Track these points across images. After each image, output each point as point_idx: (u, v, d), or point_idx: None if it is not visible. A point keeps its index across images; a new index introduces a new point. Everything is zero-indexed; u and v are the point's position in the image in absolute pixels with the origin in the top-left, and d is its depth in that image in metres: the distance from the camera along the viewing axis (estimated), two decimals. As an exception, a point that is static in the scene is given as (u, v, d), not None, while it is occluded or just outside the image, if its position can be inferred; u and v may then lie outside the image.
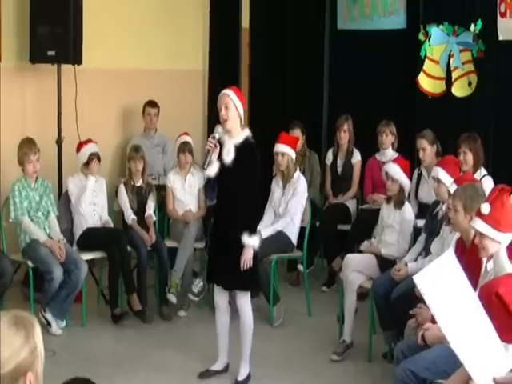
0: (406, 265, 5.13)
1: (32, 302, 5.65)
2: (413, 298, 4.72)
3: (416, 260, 5.21)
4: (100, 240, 6.03)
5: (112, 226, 6.25)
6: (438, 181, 5.09)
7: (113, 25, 7.35)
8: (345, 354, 5.33)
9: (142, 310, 5.97)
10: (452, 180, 4.89)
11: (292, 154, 6.15)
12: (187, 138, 6.57)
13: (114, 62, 7.37)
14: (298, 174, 6.18)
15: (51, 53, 6.41)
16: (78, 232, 6.11)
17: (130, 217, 6.30)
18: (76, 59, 6.50)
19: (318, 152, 7.40)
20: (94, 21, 6.83)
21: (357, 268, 5.43)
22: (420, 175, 6.46)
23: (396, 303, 4.88)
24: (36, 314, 5.17)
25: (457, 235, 4.35)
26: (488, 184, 5.84)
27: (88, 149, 6.12)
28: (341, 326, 5.48)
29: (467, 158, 5.84)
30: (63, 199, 6.23)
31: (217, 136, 4.52)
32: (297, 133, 6.98)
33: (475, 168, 5.84)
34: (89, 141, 6.19)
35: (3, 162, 6.24)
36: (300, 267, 6.41)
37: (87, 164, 6.11)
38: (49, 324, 5.62)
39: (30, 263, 5.70)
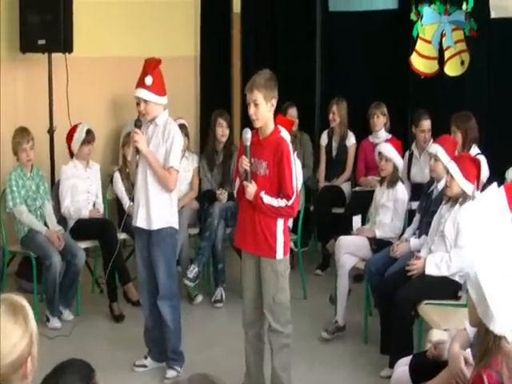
0: (407, 241, 5.13)
1: (36, 294, 5.64)
2: (405, 276, 4.75)
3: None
4: (89, 232, 5.99)
5: (101, 213, 6.18)
6: (436, 158, 5.05)
7: (103, 12, 7.29)
8: (337, 335, 5.35)
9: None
10: (449, 159, 4.87)
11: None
12: (183, 121, 6.56)
13: (106, 49, 7.32)
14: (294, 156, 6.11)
15: (41, 42, 6.35)
16: (70, 222, 6.07)
17: (127, 204, 6.26)
18: (67, 47, 6.44)
19: (311, 134, 7.38)
20: (84, 8, 6.77)
21: (349, 250, 5.43)
22: (411, 155, 6.45)
23: (388, 280, 4.87)
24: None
25: None
26: (482, 163, 5.82)
27: (82, 127, 6.03)
28: (335, 308, 5.47)
29: (456, 137, 5.81)
30: (56, 189, 6.19)
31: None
32: (294, 112, 6.95)
33: (465, 147, 5.82)
34: (78, 124, 6.10)
35: (-5, 152, 6.22)
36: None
37: (87, 143, 6.00)
38: (48, 320, 5.60)
39: (32, 253, 5.67)
